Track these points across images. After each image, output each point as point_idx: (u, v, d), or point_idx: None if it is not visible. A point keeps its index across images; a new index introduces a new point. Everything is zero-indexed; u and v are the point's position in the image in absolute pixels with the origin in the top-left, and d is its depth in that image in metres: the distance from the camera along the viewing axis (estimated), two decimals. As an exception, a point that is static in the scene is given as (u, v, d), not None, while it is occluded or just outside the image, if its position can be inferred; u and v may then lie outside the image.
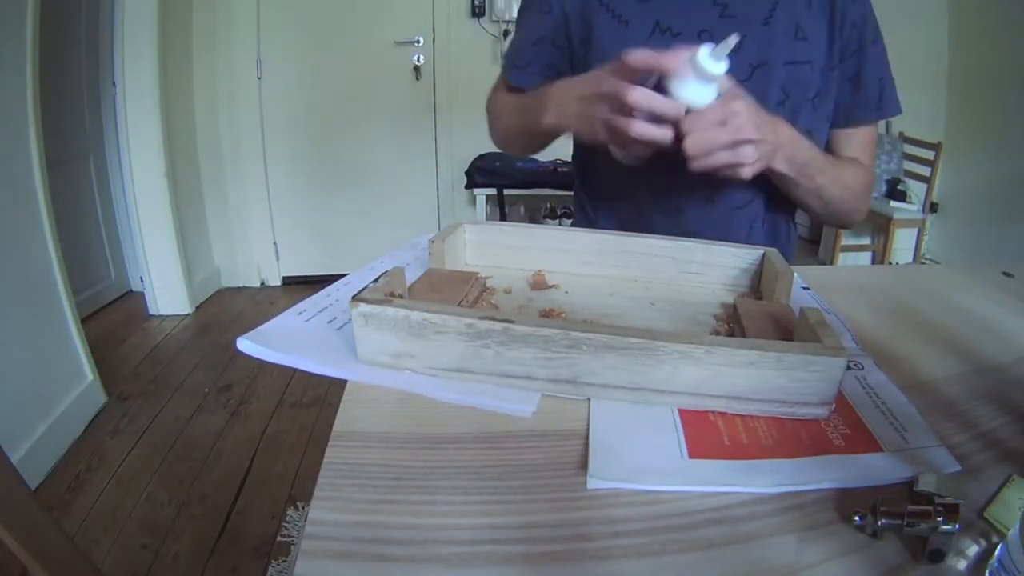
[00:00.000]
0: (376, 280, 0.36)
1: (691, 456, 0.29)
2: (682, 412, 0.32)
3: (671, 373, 0.32)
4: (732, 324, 0.41)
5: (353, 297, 0.34)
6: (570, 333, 0.31)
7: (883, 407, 0.34)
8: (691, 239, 0.48)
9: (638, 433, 0.31)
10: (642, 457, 0.29)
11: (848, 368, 0.37)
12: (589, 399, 0.33)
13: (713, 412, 0.32)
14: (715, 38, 0.64)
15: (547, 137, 0.72)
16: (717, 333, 0.40)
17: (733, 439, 0.30)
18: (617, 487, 0.27)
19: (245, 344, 0.36)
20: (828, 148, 0.73)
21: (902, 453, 0.30)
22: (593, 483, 0.27)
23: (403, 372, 0.35)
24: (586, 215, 0.79)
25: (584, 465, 0.29)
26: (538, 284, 0.46)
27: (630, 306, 0.44)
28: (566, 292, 0.46)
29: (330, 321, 0.40)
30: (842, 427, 0.32)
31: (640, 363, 0.32)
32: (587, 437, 0.31)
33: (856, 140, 0.73)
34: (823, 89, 0.69)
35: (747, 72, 0.67)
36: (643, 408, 0.33)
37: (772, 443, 0.30)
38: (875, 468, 0.29)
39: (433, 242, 0.44)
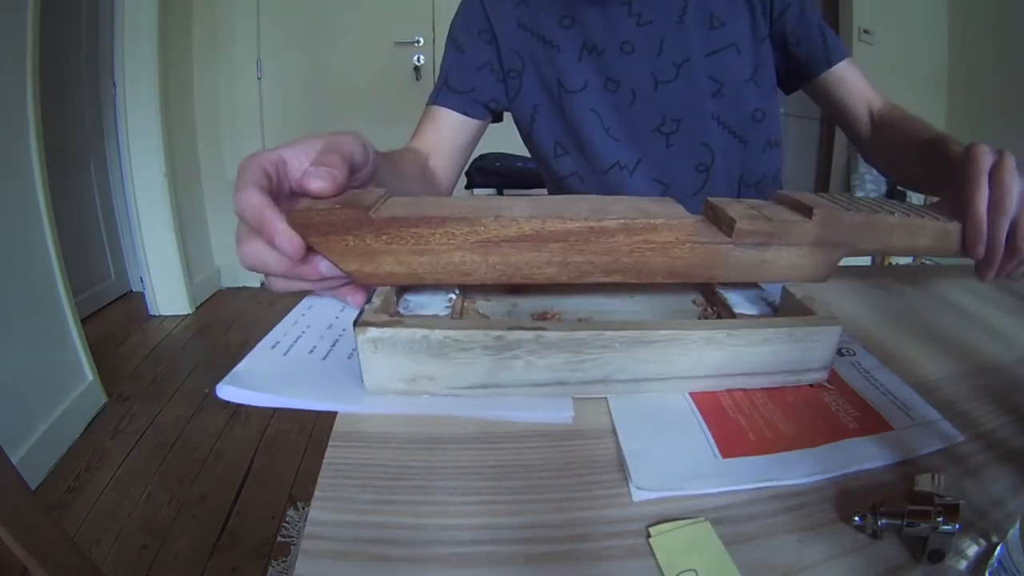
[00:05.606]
0: (370, 301, 0.34)
1: (724, 456, 0.30)
2: (701, 409, 0.33)
3: (697, 360, 0.33)
4: (719, 308, 0.41)
5: (357, 323, 0.31)
6: (604, 333, 0.32)
7: (882, 388, 0.36)
8: None
9: (665, 437, 0.31)
10: (679, 463, 0.29)
11: (842, 355, 0.40)
12: (607, 398, 0.34)
13: (731, 408, 0.33)
14: (637, 48, 0.67)
15: None
16: (705, 317, 0.41)
17: (757, 434, 0.31)
18: (663, 495, 0.27)
19: (227, 391, 0.31)
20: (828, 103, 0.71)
21: (911, 429, 0.32)
22: (639, 495, 0.27)
23: (420, 396, 0.33)
24: None
25: (585, 464, 0.29)
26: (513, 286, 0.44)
27: (614, 300, 0.44)
28: (544, 293, 0.44)
29: (311, 351, 0.36)
30: (851, 411, 0.34)
31: (670, 353, 0.33)
32: (587, 437, 0.31)
33: (845, 88, 0.69)
34: (761, 64, 0.69)
35: (673, 72, 0.68)
36: (659, 407, 0.33)
37: (793, 433, 0.31)
38: (892, 446, 0.30)
39: None
